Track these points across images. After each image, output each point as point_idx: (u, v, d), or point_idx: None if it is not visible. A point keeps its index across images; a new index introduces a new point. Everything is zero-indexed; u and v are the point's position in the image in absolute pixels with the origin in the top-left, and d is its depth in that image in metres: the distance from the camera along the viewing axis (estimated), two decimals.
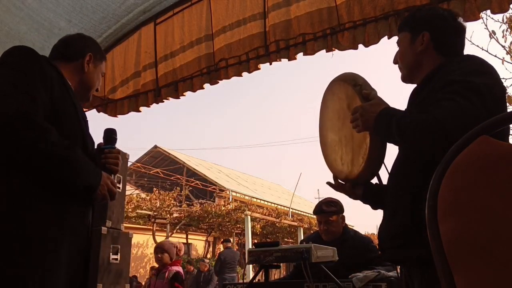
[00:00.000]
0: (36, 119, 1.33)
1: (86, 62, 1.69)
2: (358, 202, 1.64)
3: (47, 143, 1.32)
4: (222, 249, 19.60)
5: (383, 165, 1.52)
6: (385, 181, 1.54)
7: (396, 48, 1.56)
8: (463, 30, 1.47)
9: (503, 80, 4.15)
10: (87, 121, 1.65)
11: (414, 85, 1.51)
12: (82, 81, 1.69)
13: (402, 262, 1.44)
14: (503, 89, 1.30)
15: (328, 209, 2.86)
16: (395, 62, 1.55)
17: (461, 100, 1.16)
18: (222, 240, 12.01)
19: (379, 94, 1.46)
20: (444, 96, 1.21)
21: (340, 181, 1.66)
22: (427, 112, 1.22)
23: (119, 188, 1.60)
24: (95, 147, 1.67)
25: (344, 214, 2.94)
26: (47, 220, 1.36)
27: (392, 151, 1.52)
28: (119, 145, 1.86)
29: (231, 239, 18.01)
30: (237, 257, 10.88)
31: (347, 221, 3.02)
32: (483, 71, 1.26)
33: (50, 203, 1.38)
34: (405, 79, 1.52)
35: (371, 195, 1.61)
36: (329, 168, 1.72)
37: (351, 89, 1.50)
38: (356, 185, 1.60)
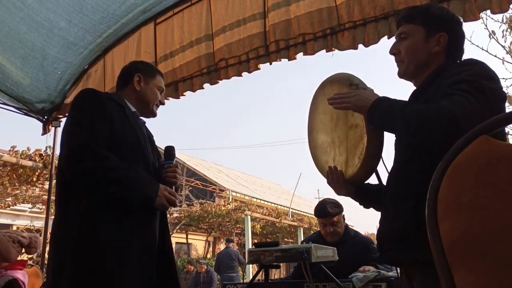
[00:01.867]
0: (95, 148, 1.63)
1: (136, 82, 1.96)
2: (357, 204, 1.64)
3: (105, 169, 1.64)
4: (222, 249, 19.66)
5: (382, 164, 1.51)
6: (384, 181, 1.53)
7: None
8: (465, 36, 1.49)
9: (503, 80, 4.16)
10: (151, 137, 1.96)
11: (409, 82, 1.49)
12: (139, 100, 1.96)
13: (402, 264, 1.43)
14: (505, 95, 1.32)
15: (333, 211, 2.83)
16: (393, 52, 1.49)
17: (469, 96, 1.18)
18: (226, 239, 12.01)
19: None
20: (453, 91, 1.21)
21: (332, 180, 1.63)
22: (437, 102, 1.22)
23: (178, 197, 1.73)
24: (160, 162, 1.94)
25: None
26: (115, 230, 1.63)
27: (389, 152, 1.51)
28: None
29: (233, 239, 18.02)
30: (235, 256, 10.82)
31: (347, 221, 3.01)
32: (489, 76, 1.28)
33: (117, 216, 1.64)
34: (406, 74, 1.46)
35: (364, 193, 1.59)
36: (320, 171, 1.68)
37: (347, 89, 1.47)
38: (350, 186, 1.57)
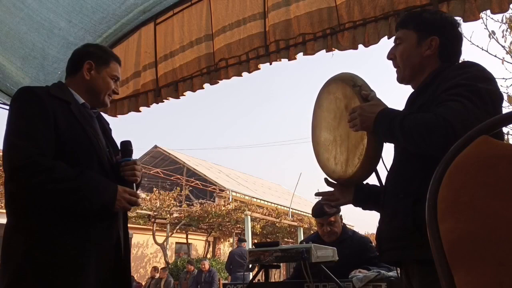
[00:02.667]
0: (40, 160, 1.52)
1: (86, 70, 1.79)
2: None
3: (54, 181, 1.53)
4: (222, 249, 19.65)
5: (382, 164, 1.51)
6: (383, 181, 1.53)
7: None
8: (462, 38, 1.49)
9: (503, 80, 4.16)
10: (106, 129, 1.82)
11: (408, 86, 1.50)
12: (88, 89, 1.79)
13: (401, 263, 1.44)
14: (502, 96, 1.32)
15: (330, 211, 2.84)
16: (390, 58, 1.52)
17: (465, 101, 1.18)
18: (238, 238, 11.98)
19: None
20: (448, 97, 1.22)
21: (331, 181, 1.65)
22: (431, 111, 1.23)
23: (140, 196, 1.71)
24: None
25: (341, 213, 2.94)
26: (72, 241, 1.55)
27: (389, 152, 1.51)
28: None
29: (231, 239, 18.02)
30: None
31: (347, 221, 3.02)
32: (485, 78, 1.28)
33: (74, 225, 1.57)
34: (403, 80, 1.49)
35: (363, 196, 1.59)
36: (321, 168, 1.69)
37: (350, 90, 1.48)
38: (349, 185, 1.58)
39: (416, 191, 1.28)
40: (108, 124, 1.92)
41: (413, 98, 1.44)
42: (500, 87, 1.35)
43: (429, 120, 1.20)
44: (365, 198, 1.59)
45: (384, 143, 1.47)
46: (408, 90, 1.51)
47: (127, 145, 1.79)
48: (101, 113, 1.95)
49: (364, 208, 1.62)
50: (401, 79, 1.50)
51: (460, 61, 1.50)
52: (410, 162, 1.36)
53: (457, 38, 1.46)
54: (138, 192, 1.79)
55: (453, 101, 1.20)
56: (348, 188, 1.60)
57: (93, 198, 1.58)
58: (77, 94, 1.77)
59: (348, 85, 1.50)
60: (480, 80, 1.26)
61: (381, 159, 1.49)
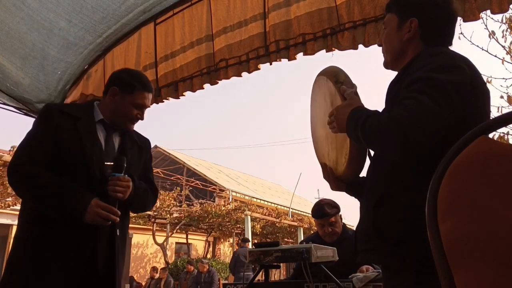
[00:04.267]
0: (23, 168, 1.70)
1: (110, 95, 1.90)
2: (358, 202, 1.63)
3: (30, 187, 1.69)
4: (222, 249, 19.66)
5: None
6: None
7: None
8: (454, 18, 1.37)
9: (503, 80, 4.16)
10: (125, 146, 1.90)
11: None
12: (111, 112, 1.90)
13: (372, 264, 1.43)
14: (476, 85, 1.19)
15: (331, 211, 2.84)
16: (379, 44, 1.47)
17: (424, 98, 1.08)
18: (241, 238, 11.97)
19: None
20: (407, 94, 1.13)
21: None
22: (389, 111, 1.15)
23: (118, 212, 1.72)
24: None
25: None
26: (38, 244, 1.66)
27: None
28: None
29: (231, 239, 18.01)
30: None
31: (347, 221, 3.02)
32: (452, 66, 1.17)
33: (43, 231, 1.68)
34: (387, 65, 1.43)
35: (356, 187, 1.53)
36: (318, 161, 1.68)
37: (332, 86, 1.42)
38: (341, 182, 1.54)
39: (381, 192, 1.24)
40: (139, 141, 2.00)
41: (392, 85, 1.35)
42: (500, 87, 1.31)
43: (382, 123, 1.13)
44: (358, 190, 1.54)
45: None
46: None
47: (118, 161, 1.80)
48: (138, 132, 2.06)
49: (359, 200, 1.60)
50: (385, 64, 1.44)
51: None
52: (377, 164, 1.33)
53: (441, 18, 1.34)
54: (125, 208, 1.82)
55: (409, 99, 1.10)
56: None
57: (64, 206, 1.66)
58: (100, 112, 1.90)
59: (332, 81, 1.44)
60: (444, 70, 1.14)
61: (368, 157, 1.46)
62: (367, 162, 1.46)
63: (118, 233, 1.79)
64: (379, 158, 1.34)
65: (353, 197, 1.58)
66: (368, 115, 1.20)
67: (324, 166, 1.60)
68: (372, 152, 1.44)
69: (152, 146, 2.17)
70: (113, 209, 1.69)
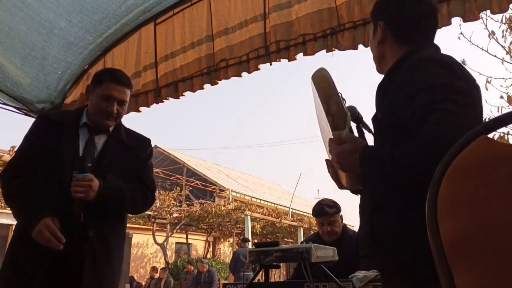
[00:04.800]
0: (7, 175, 1.84)
1: (86, 94, 1.95)
2: (357, 202, 1.62)
3: (6, 195, 1.82)
4: (222, 249, 19.66)
5: None
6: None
7: None
8: (428, 13, 1.32)
9: (503, 80, 4.16)
10: (112, 147, 1.90)
11: None
12: (90, 112, 1.92)
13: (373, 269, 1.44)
14: (468, 85, 1.16)
15: (331, 210, 2.86)
16: None
17: (446, 105, 1.05)
18: (241, 238, 11.97)
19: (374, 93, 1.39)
20: (425, 109, 1.07)
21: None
22: (416, 135, 1.06)
23: (58, 237, 1.69)
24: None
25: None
26: (10, 256, 1.78)
27: None
28: None
29: (231, 239, 18.01)
30: None
31: (347, 221, 3.02)
32: (449, 70, 1.14)
33: (18, 240, 1.81)
34: (378, 71, 1.45)
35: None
36: (327, 153, 1.66)
37: (324, 114, 1.34)
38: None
39: (378, 199, 1.23)
40: (127, 142, 1.96)
41: (382, 86, 1.33)
42: (500, 87, 1.32)
43: (421, 147, 1.04)
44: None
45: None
46: None
47: (81, 160, 1.79)
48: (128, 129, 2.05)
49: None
50: (377, 70, 1.46)
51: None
52: None
53: (410, 14, 1.31)
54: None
55: (433, 113, 1.04)
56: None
57: (22, 219, 1.77)
58: (86, 116, 1.93)
59: (324, 108, 1.34)
60: (445, 75, 1.12)
61: None
62: None
63: (90, 235, 1.75)
64: None
65: (355, 195, 1.58)
66: (386, 149, 1.12)
67: (327, 163, 1.55)
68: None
69: (152, 146, 2.15)
70: (58, 235, 1.65)
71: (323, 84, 1.34)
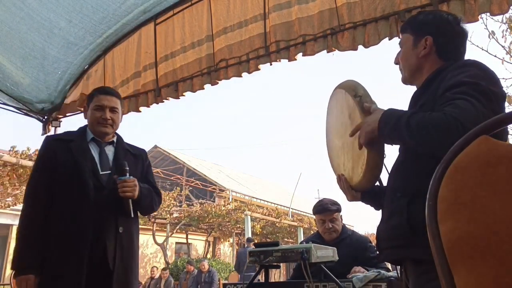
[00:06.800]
0: (26, 212, 1.98)
1: (85, 114, 2.21)
2: (358, 202, 1.64)
3: (20, 231, 1.96)
4: (222, 249, 19.66)
5: (386, 172, 1.51)
6: (385, 182, 1.53)
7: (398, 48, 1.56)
8: (465, 35, 1.48)
9: (503, 80, 4.17)
10: (119, 157, 2.10)
11: (414, 87, 1.51)
12: (89, 125, 2.16)
13: (399, 262, 1.45)
14: (505, 95, 1.31)
15: (332, 207, 2.87)
16: (396, 62, 1.57)
17: (473, 100, 1.16)
18: (246, 238, 11.97)
19: (382, 92, 1.45)
20: (455, 95, 1.20)
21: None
22: (437, 110, 1.20)
23: None
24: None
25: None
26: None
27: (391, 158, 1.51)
28: None
29: (231, 239, 18.01)
30: None
31: (346, 221, 3.03)
32: (489, 77, 1.27)
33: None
34: (406, 81, 1.53)
35: (371, 196, 1.60)
36: (334, 172, 1.73)
37: (351, 100, 1.49)
38: (356, 192, 1.60)
39: (412, 190, 1.28)
40: (132, 151, 2.22)
41: (416, 97, 1.45)
42: None
43: (438, 119, 1.17)
44: (374, 197, 1.60)
45: (385, 154, 1.47)
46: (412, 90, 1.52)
47: (121, 165, 2.04)
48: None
49: (376, 207, 1.63)
50: (404, 80, 1.54)
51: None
52: (411, 162, 1.36)
53: (455, 35, 1.45)
54: None
55: (461, 100, 1.16)
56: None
57: (17, 256, 1.92)
58: (91, 132, 2.15)
59: (350, 94, 1.51)
60: (483, 79, 1.24)
61: (384, 167, 1.50)
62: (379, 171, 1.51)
63: (120, 231, 2.01)
64: (408, 158, 1.39)
65: (368, 205, 1.63)
66: (410, 112, 1.25)
67: (339, 177, 1.66)
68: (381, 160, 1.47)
69: (152, 146, 2.31)
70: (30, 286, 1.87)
71: (350, 82, 1.55)
